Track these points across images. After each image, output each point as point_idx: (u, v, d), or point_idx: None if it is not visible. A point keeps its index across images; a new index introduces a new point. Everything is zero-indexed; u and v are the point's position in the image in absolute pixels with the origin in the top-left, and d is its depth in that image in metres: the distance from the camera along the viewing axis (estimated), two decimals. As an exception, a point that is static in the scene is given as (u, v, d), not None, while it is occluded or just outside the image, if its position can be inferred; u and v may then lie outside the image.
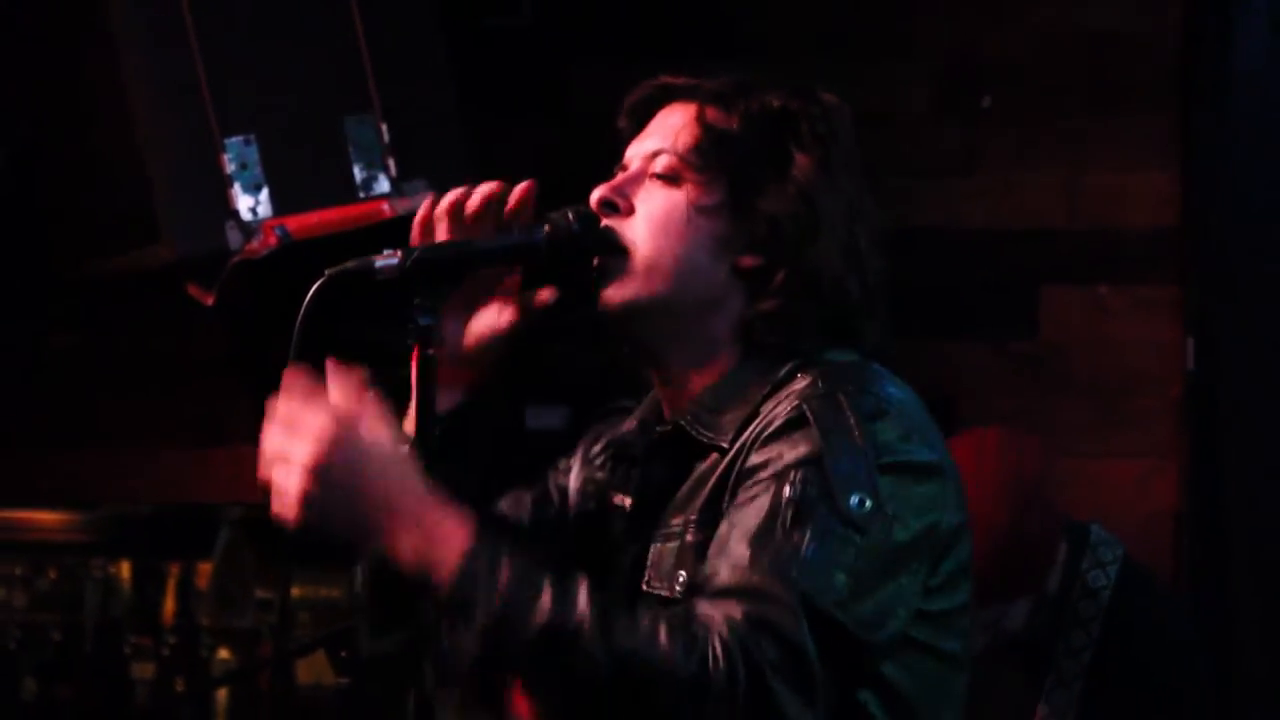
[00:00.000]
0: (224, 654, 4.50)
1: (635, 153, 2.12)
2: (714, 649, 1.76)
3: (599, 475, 2.19)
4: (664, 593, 2.01)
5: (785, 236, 2.03)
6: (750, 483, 1.91)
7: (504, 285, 2.11)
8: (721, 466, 1.99)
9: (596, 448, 2.23)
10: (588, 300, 2.06)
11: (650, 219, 2.06)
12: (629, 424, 2.19)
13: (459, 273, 2.03)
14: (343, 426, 1.79)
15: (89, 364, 4.51)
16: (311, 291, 1.95)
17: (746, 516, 1.87)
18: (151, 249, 3.33)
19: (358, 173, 3.40)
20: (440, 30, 3.59)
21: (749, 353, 2.06)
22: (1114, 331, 4.12)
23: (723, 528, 1.90)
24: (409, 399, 2.00)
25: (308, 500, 1.77)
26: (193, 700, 4.47)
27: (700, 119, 2.08)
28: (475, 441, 2.11)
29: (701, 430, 2.04)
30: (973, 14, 4.19)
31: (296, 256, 3.29)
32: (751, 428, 1.98)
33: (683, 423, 2.05)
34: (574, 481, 2.23)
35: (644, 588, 2.04)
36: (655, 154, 2.09)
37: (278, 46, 3.37)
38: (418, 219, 2.08)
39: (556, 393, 4.13)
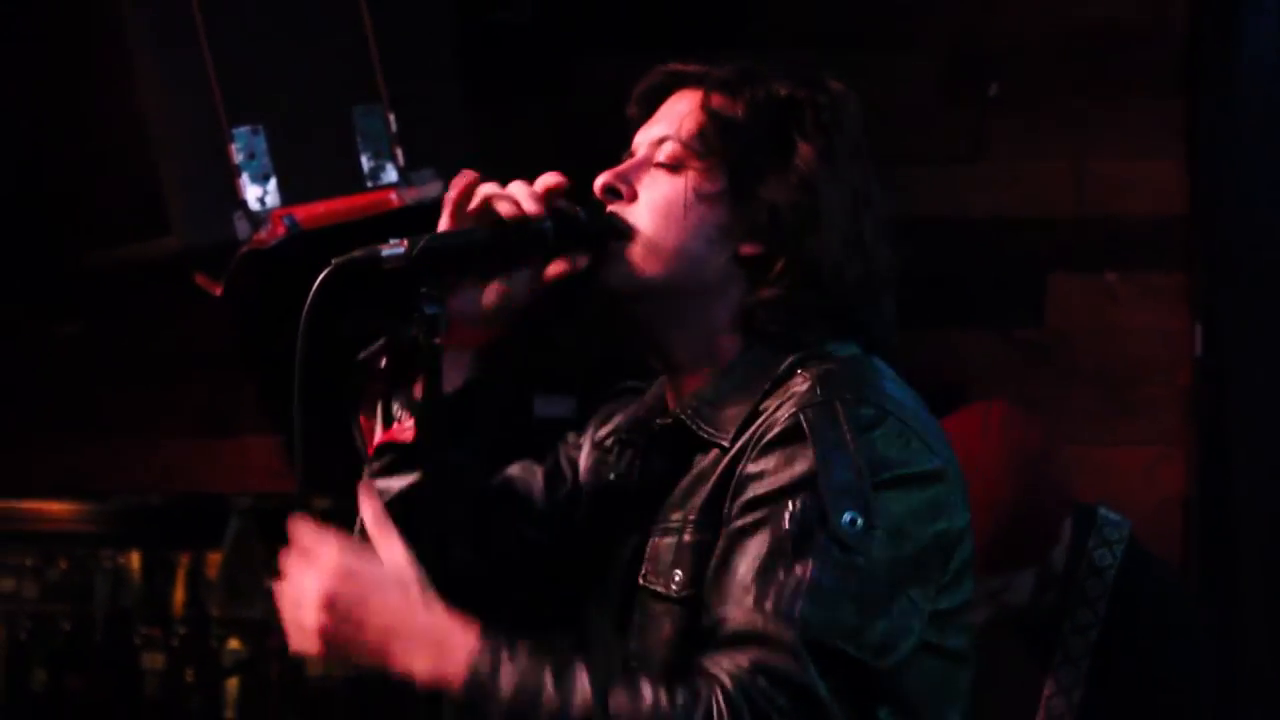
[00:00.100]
0: (234, 644, 4.51)
1: (642, 139, 2.14)
2: (718, 703, 1.79)
3: (607, 459, 2.19)
4: (659, 588, 2.02)
5: (785, 225, 2.04)
6: (748, 500, 1.92)
7: None
8: (722, 466, 1.99)
9: (604, 430, 2.23)
10: (592, 281, 2.07)
11: (652, 205, 2.07)
12: (636, 408, 2.19)
13: (465, 262, 2.03)
14: (346, 561, 1.86)
15: (97, 354, 4.51)
16: (318, 281, 1.96)
17: (748, 551, 1.88)
18: (159, 239, 3.33)
19: (365, 162, 3.41)
20: (447, 21, 3.59)
21: (750, 343, 2.06)
22: (1121, 319, 4.12)
23: (723, 550, 1.91)
24: (416, 364, 2.02)
25: (323, 633, 1.86)
26: (202, 690, 4.49)
27: (705, 106, 2.09)
28: (482, 423, 2.12)
29: (702, 425, 2.04)
30: (979, 2, 4.19)
31: (305, 246, 3.29)
32: (751, 430, 1.98)
33: (684, 417, 2.06)
34: (584, 460, 2.23)
35: (640, 581, 2.05)
36: (660, 141, 2.10)
37: (286, 37, 3.37)
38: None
39: (564, 382, 4.14)
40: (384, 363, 2.09)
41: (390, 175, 3.43)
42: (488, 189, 2.06)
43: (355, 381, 2.13)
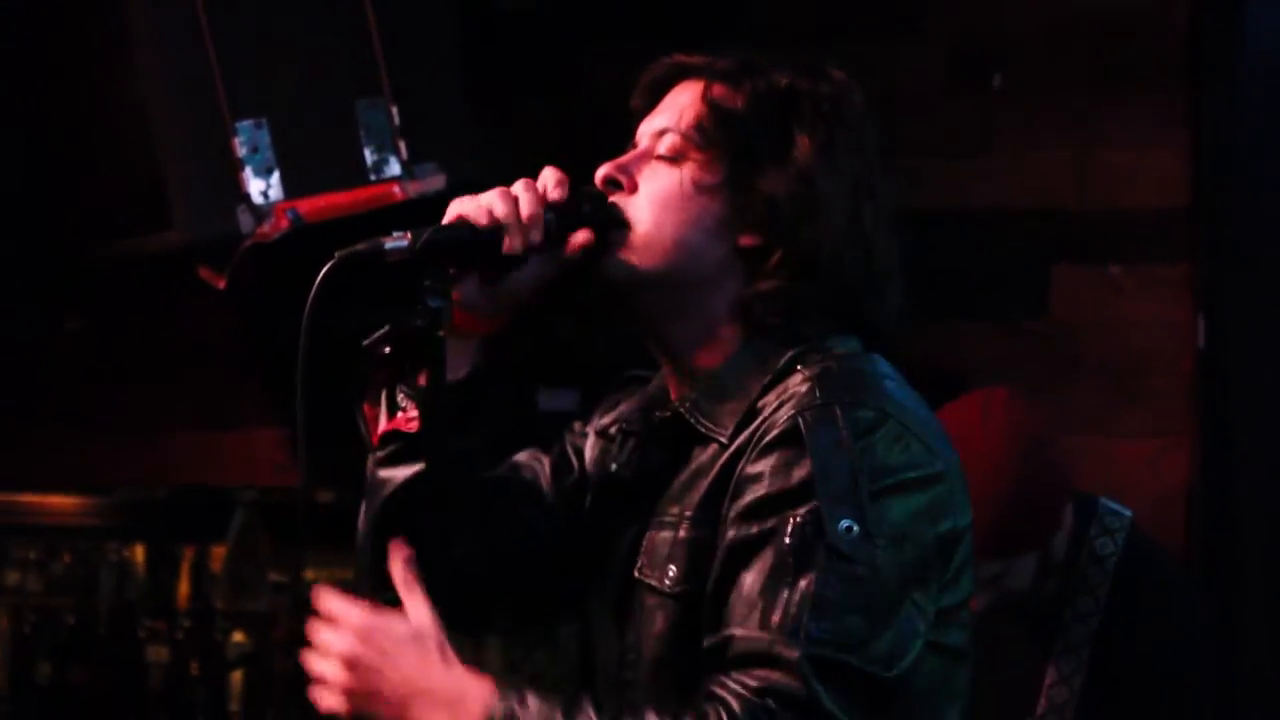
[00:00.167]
0: (238, 637, 4.52)
1: (645, 130, 2.13)
2: None
3: (610, 448, 2.20)
4: (653, 582, 2.03)
5: (782, 216, 2.03)
6: (747, 507, 1.91)
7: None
8: (720, 463, 1.99)
9: (608, 419, 2.23)
10: (592, 272, 2.07)
11: (651, 197, 2.07)
12: (639, 398, 2.20)
13: (469, 253, 2.03)
14: (368, 622, 1.92)
15: (101, 348, 4.52)
16: (321, 273, 1.96)
17: (751, 567, 1.89)
18: (163, 233, 3.34)
19: (368, 156, 3.41)
20: (451, 14, 3.59)
21: (750, 335, 2.06)
22: (1125, 310, 4.12)
23: (725, 563, 1.92)
24: (420, 356, 2.02)
25: (346, 692, 1.92)
26: (207, 683, 4.49)
27: (706, 97, 2.08)
28: (487, 413, 2.12)
29: (701, 419, 2.04)
30: (982, -7, 4.20)
31: (308, 240, 3.30)
32: (750, 429, 1.98)
33: (682, 410, 2.06)
34: (589, 450, 2.23)
35: (635, 574, 2.05)
36: (662, 132, 2.10)
37: (289, 31, 3.38)
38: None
39: (568, 376, 4.14)
40: (388, 351, 2.08)
41: (393, 169, 3.43)
42: (489, 199, 2.05)
43: (360, 370, 2.14)
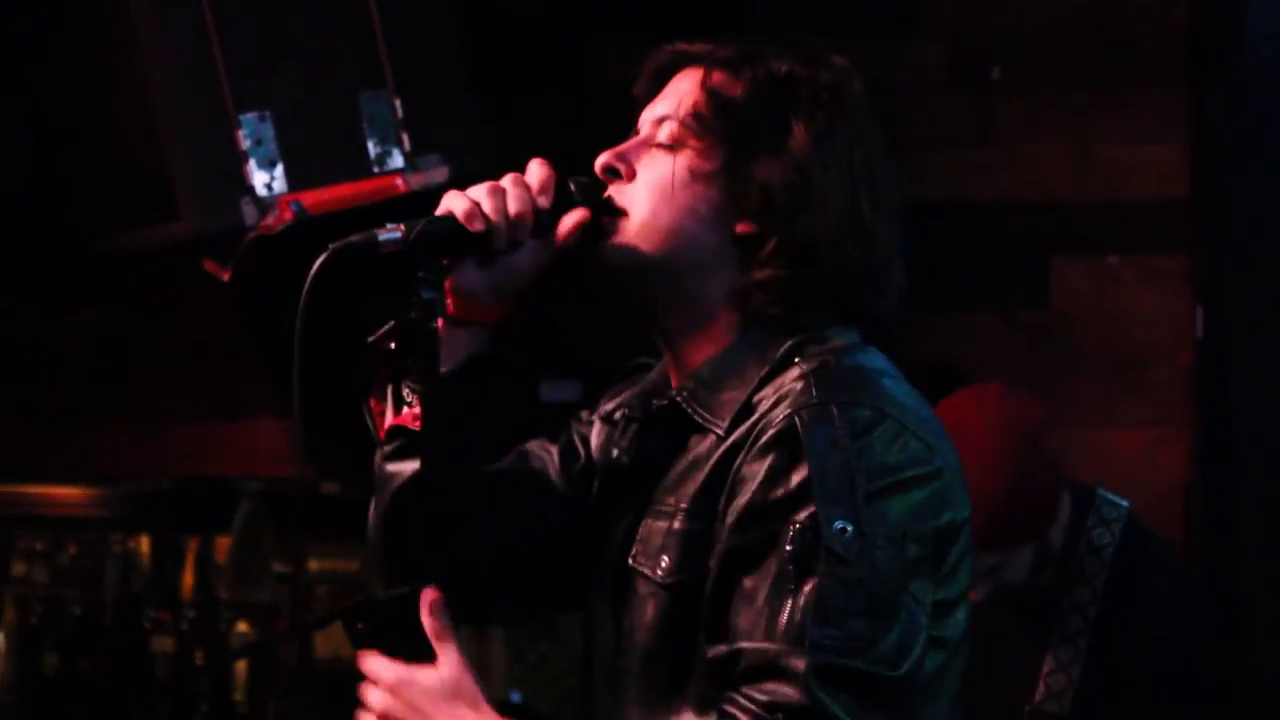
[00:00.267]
0: (242, 627, 4.53)
1: (646, 118, 2.13)
2: None
3: (614, 435, 2.19)
4: (646, 571, 2.03)
5: (777, 205, 2.02)
6: (745, 511, 1.91)
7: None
8: (716, 456, 1.99)
9: (611, 405, 2.23)
10: (591, 259, 2.07)
11: (648, 184, 2.07)
12: (642, 384, 2.19)
13: (462, 245, 2.04)
14: (400, 674, 1.96)
15: (106, 339, 4.52)
16: (316, 265, 1.97)
17: (754, 577, 1.89)
18: (168, 225, 3.34)
19: (372, 148, 3.41)
20: (454, 6, 3.59)
21: (747, 324, 2.05)
22: (1124, 302, 4.13)
23: (725, 571, 1.92)
24: (413, 347, 2.03)
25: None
26: (212, 673, 4.50)
27: (705, 85, 2.08)
28: (488, 402, 2.13)
29: (698, 409, 2.04)
30: (982, -14, 4.21)
31: (311, 232, 3.30)
32: (746, 424, 1.97)
33: (679, 399, 2.06)
34: (595, 437, 2.23)
35: (630, 561, 2.05)
36: (661, 120, 2.10)
37: (293, 23, 3.38)
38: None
39: (569, 367, 4.15)
40: (393, 347, 2.09)
41: (396, 161, 3.43)
42: (478, 194, 2.06)
43: (365, 366, 2.14)
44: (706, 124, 2.06)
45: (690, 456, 2.04)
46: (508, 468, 2.23)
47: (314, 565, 4.53)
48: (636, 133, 2.14)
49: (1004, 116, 4.18)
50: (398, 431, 2.12)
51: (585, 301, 2.14)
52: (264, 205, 3.32)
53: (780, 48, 2.11)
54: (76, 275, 4.09)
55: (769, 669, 1.85)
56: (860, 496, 1.88)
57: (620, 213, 2.07)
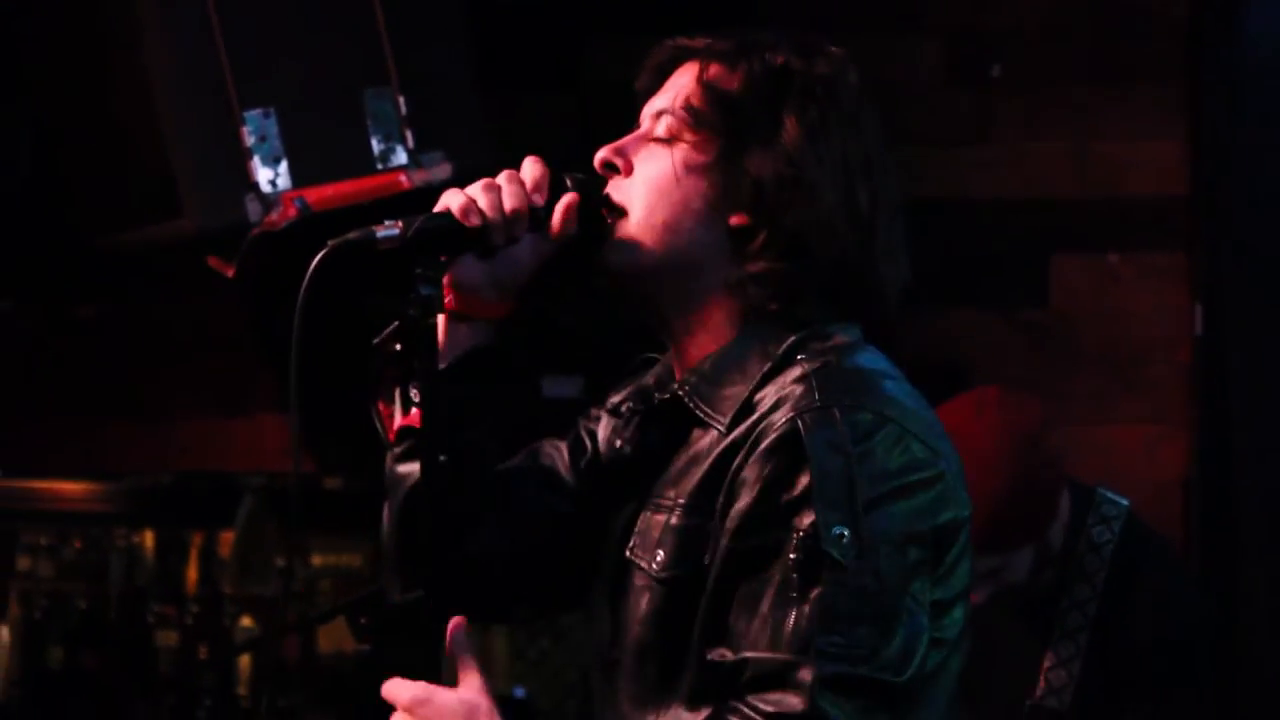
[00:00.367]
0: (246, 622, 4.54)
1: (646, 113, 2.13)
2: None
3: (618, 426, 2.19)
4: (642, 564, 2.02)
5: (767, 197, 2.01)
6: (745, 517, 1.91)
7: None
8: (717, 452, 1.98)
9: (618, 398, 2.22)
10: (591, 257, 2.08)
11: (645, 180, 2.07)
12: (650, 377, 2.18)
13: (460, 242, 2.04)
14: (419, 694, 1.94)
15: (111, 335, 4.53)
16: (314, 262, 1.97)
17: (758, 585, 1.89)
18: (172, 222, 3.35)
19: (375, 145, 3.42)
20: (458, 3, 3.60)
21: (748, 318, 2.04)
22: (1123, 299, 4.14)
23: (726, 577, 1.92)
24: (413, 343, 2.03)
25: None
26: (215, 667, 4.51)
27: (700, 78, 2.08)
28: (492, 403, 2.13)
29: (699, 404, 2.03)
30: (982, -17, 4.21)
31: (315, 228, 3.30)
32: (747, 422, 1.97)
33: (681, 394, 2.05)
34: (602, 430, 2.22)
35: (627, 553, 2.05)
36: (660, 114, 2.10)
37: (297, 20, 3.38)
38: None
39: (571, 363, 4.16)
40: (398, 348, 2.08)
41: (400, 158, 3.43)
42: (474, 191, 2.06)
43: (372, 368, 2.14)
44: (701, 117, 2.06)
45: (691, 451, 2.04)
46: (518, 466, 2.22)
47: (317, 560, 4.54)
48: (639, 128, 2.14)
49: (1004, 114, 4.19)
50: (407, 432, 2.11)
51: (586, 297, 2.14)
52: (268, 202, 3.32)
53: (778, 39, 2.11)
54: (81, 272, 4.10)
55: (775, 678, 1.85)
56: (861, 502, 1.87)
57: (618, 210, 2.07)
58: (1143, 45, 4.13)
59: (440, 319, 2.06)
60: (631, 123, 2.16)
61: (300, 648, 4.47)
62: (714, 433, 2.01)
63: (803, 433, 1.90)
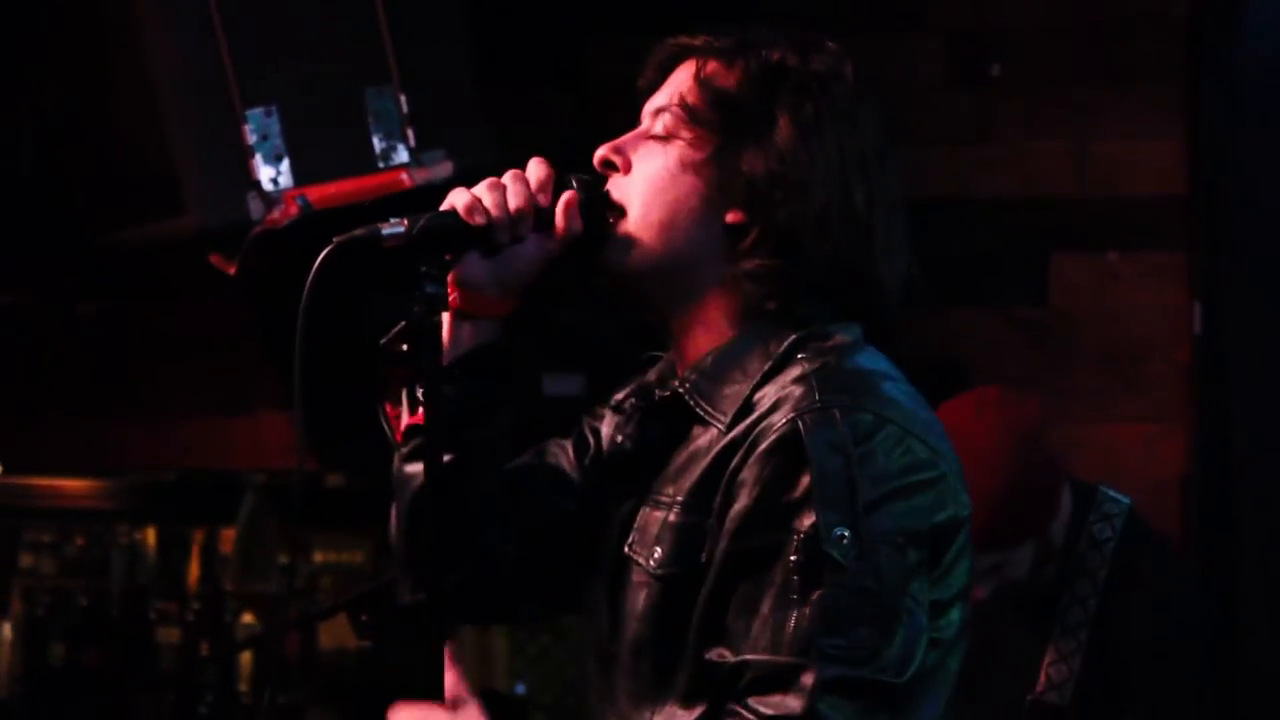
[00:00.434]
0: (247, 618, 4.55)
1: (646, 111, 2.13)
2: None
3: (621, 422, 2.19)
4: (640, 560, 2.02)
5: (759, 194, 2.01)
6: (745, 519, 1.91)
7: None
8: (716, 450, 1.98)
9: (622, 395, 2.22)
10: (591, 256, 2.08)
11: (643, 177, 2.07)
12: (653, 374, 2.18)
13: (465, 240, 2.04)
14: (420, 716, 1.98)
15: (113, 333, 4.54)
16: (319, 259, 1.97)
17: (758, 587, 1.89)
18: (174, 219, 3.36)
19: (377, 143, 3.42)
20: (459, 2, 3.61)
21: (746, 316, 2.04)
22: (1122, 298, 4.15)
23: (726, 579, 1.92)
24: (418, 341, 2.04)
25: None
26: (217, 664, 4.53)
27: (697, 75, 2.07)
28: (494, 401, 2.13)
29: (700, 401, 2.02)
30: (982, -17, 4.22)
31: (317, 226, 3.31)
32: (747, 421, 1.96)
33: (681, 391, 2.05)
34: (606, 427, 2.22)
35: (626, 549, 2.05)
36: (658, 112, 2.09)
37: (298, 18, 3.39)
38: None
39: (573, 360, 4.17)
40: (405, 348, 2.08)
41: (401, 156, 3.44)
42: (479, 190, 2.06)
43: (379, 368, 2.14)
44: (697, 114, 2.05)
45: (691, 448, 2.03)
46: (526, 465, 2.22)
47: (318, 557, 4.55)
48: (639, 126, 2.14)
49: (1004, 113, 4.19)
50: (414, 431, 2.11)
51: (588, 295, 2.15)
52: (269, 200, 3.33)
53: (777, 36, 2.10)
54: (82, 270, 4.11)
55: (775, 681, 1.85)
56: (862, 503, 1.87)
57: (618, 209, 2.08)
58: (1142, 45, 4.13)
59: (444, 317, 2.06)
60: (632, 121, 2.16)
61: (301, 644, 4.48)
62: (714, 430, 2.01)
63: (803, 433, 1.89)
